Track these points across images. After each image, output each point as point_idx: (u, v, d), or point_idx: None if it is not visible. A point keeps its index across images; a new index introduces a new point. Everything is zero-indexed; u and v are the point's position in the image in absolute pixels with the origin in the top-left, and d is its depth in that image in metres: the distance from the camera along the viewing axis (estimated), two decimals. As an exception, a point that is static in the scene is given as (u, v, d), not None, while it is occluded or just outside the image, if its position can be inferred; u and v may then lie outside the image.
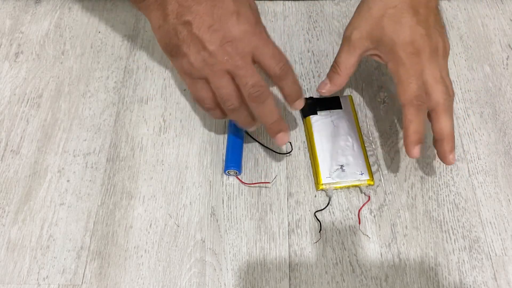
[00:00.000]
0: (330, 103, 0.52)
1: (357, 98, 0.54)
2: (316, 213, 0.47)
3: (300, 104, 0.44)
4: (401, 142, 0.51)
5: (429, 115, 0.44)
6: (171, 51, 0.42)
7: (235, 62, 0.41)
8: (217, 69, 0.41)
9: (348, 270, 0.44)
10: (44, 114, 0.53)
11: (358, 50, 0.45)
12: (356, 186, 0.48)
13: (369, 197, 0.47)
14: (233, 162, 0.48)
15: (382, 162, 0.50)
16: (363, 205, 0.47)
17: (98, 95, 0.54)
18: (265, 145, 0.51)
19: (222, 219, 0.47)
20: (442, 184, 0.48)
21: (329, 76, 0.47)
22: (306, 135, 0.51)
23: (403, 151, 0.50)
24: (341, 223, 0.46)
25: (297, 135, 0.52)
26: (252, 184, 0.48)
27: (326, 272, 0.44)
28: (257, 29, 0.42)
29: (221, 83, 0.41)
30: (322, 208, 0.47)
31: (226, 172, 0.48)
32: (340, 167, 0.48)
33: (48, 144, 0.51)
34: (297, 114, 0.53)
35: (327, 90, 0.48)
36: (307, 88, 0.55)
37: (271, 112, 0.43)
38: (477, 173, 0.49)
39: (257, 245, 0.45)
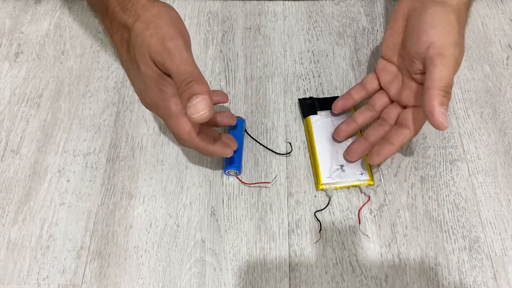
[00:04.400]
0: (330, 103, 0.52)
1: (357, 98, 0.54)
2: (316, 213, 0.47)
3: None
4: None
5: None
6: None
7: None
8: None
9: (348, 270, 0.44)
10: (44, 114, 0.53)
11: None
12: (356, 186, 0.48)
13: (369, 197, 0.47)
14: (233, 162, 0.48)
15: (382, 162, 0.50)
16: (363, 205, 0.47)
17: (98, 95, 0.54)
18: (265, 145, 0.51)
19: (222, 219, 0.47)
20: (442, 184, 0.48)
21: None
22: (306, 135, 0.51)
23: (403, 151, 0.50)
24: (341, 223, 0.46)
25: (297, 135, 0.52)
26: (252, 184, 0.48)
27: (326, 272, 0.44)
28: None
29: None
30: (322, 208, 0.47)
31: (226, 172, 0.48)
32: (340, 167, 0.48)
33: (48, 144, 0.51)
34: (297, 114, 0.53)
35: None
36: (307, 88, 0.55)
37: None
38: (477, 173, 0.49)
39: (257, 245, 0.45)
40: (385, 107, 0.48)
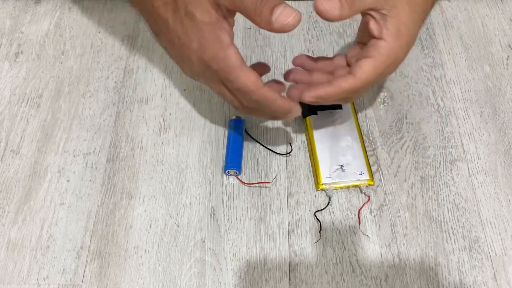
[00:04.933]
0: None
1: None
2: (316, 213, 0.47)
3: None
4: (401, 142, 0.51)
5: None
6: None
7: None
8: None
9: (348, 270, 0.44)
10: (44, 114, 0.53)
11: None
12: (356, 186, 0.48)
13: (369, 197, 0.47)
14: (233, 162, 0.48)
15: (382, 162, 0.50)
16: (363, 205, 0.47)
17: (98, 95, 0.54)
18: (265, 145, 0.51)
19: (222, 219, 0.47)
20: (442, 184, 0.48)
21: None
22: (306, 135, 0.51)
23: (403, 151, 0.50)
24: (341, 223, 0.46)
25: (297, 135, 0.52)
26: (252, 184, 0.48)
27: (326, 272, 0.44)
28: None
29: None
30: (322, 208, 0.47)
31: (226, 172, 0.48)
32: (340, 167, 0.48)
33: (48, 144, 0.51)
34: (297, 114, 0.53)
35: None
36: (307, 88, 0.55)
37: None
38: (477, 173, 0.49)
39: (257, 245, 0.45)
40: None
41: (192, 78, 0.45)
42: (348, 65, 0.45)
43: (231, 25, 0.41)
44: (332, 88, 0.40)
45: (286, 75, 0.46)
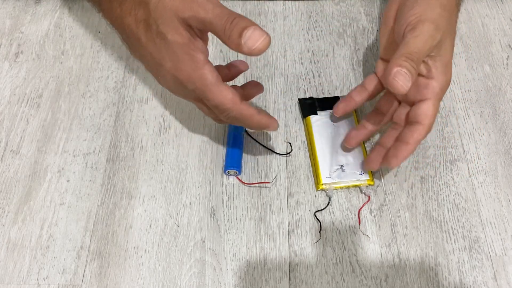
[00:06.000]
0: (330, 103, 0.52)
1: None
2: (316, 213, 0.47)
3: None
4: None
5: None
6: None
7: None
8: None
9: (348, 270, 0.44)
10: (44, 114, 0.53)
11: None
12: (356, 186, 0.48)
13: (369, 197, 0.47)
14: (233, 162, 0.48)
15: (382, 162, 0.50)
16: (363, 205, 0.47)
17: (98, 95, 0.54)
18: (265, 145, 0.51)
19: (222, 219, 0.47)
20: (442, 184, 0.48)
21: None
22: (306, 135, 0.51)
23: (403, 151, 0.50)
24: (341, 223, 0.46)
25: (297, 135, 0.52)
26: (252, 184, 0.48)
27: (326, 272, 0.44)
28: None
29: None
30: (322, 208, 0.47)
31: (226, 172, 0.48)
32: (340, 167, 0.48)
33: (48, 144, 0.51)
34: (297, 114, 0.53)
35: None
36: (307, 88, 0.55)
37: None
38: (477, 173, 0.49)
39: (257, 245, 0.45)
40: (395, 110, 0.46)
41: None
42: (381, 83, 0.47)
43: (205, 41, 0.40)
44: (411, 146, 0.43)
45: (349, 141, 0.48)
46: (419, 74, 0.43)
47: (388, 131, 0.47)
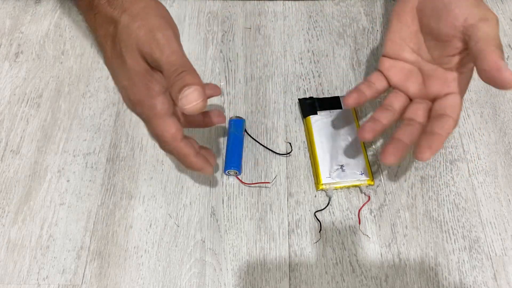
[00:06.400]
0: (330, 103, 0.52)
1: (357, 98, 0.54)
2: (316, 213, 0.47)
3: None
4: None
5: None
6: None
7: None
8: None
9: (348, 270, 0.44)
10: (44, 114, 0.53)
11: None
12: (356, 186, 0.48)
13: (369, 197, 0.47)
14: (233, 162, 0.48)
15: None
16: (363, 205, 0.47)
17: (98, 95, 0.54)
18: (265, 145, 0.51)
19: (222, 219, 0.47)
20: (442, 184, 0.48)
21: None
22: (306, 135, 0.51)
23: (403, 151, 0.50)
24: (341, 223, 0.46)
25: (297, 135, 0.52)
26: (252, 184, 0.48)
27: (326, 272, 0.44)
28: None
29: None
30: (322, 208, 0.47)
31: (226, 172, 0.48)
32: (340, 167, 0.48)
33: (48, 144, 0.51)
34: (297, 114, 0.53)
35: None
36: (307, 88, 0.55)
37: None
38: (477, 173, 0.49)
39: (257, 245, 0.45)
40: (405, 107, 0.45)
41: None
42: (387, 81, 0.46)
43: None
44: (443, 137, 0.41)
45: (363, 134, 0.45)
46: (448, 68, 0.43)
47: (403, 126, 0.44)
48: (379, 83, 0.46)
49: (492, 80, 0.37)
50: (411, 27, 0.45)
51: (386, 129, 0.45)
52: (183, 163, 0.42)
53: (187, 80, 0.35)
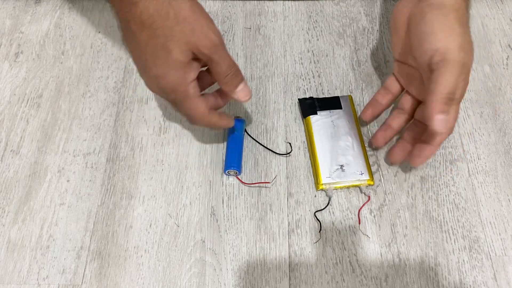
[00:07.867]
0: (330, 103, 0.52)
1: (357, 98, 0.54)
2: (316, 213, 0.47)
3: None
4: (401, 142, 0.51)
5: None
6: None
7: None
8: None
9: (348, 270, 0.44)
10: (44, 114, 0.53)
11: None
12: (356, 186, 0.48)
13: (369, 197, 0.47)
14: (233, 162, 0.48)
15: (382, 162, 0.50)
16: (363, 205, 0.47)
17: (98, 95, 0.54)
18: (265, 145, 0.51)
19: (222, 219, 0.47)
20: (442, 184, 0.48)
21: None
22: (306, 135, 0.51)
23: (403, 151, 0.50)
24: (341, 223, 0.46)
25: (297, 135, 0.52)
26: (252, 184, 0.48)
27: (326, 272, 0.44)
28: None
29: None
30: (322, 208, 0.47)
31: (226, 172, 0.48)
32: (340, 167, 0.48)
33: (48, 144, 0.51)
34: (297, 114, 0.53)
35: None
36: (307, 88, 0.55)
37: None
38: (477, 173, 0.49)
39: (257, 245, 0.45)
40: (415, 107, 0.48)
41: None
42: (402, 86, 0.49)
43: (201, 63, 0.43)
44: (434, 147, 0.44)
45: (377, 141, 0.50)
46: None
47: (411, 127, 0.48)
48: (394, 88, 0.49)
49: (426, 121, 0.41)
50: (405, 40, 0.46)
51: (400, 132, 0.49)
52: (212, 128, 0.50)
53: (240, 78, 0.44)
